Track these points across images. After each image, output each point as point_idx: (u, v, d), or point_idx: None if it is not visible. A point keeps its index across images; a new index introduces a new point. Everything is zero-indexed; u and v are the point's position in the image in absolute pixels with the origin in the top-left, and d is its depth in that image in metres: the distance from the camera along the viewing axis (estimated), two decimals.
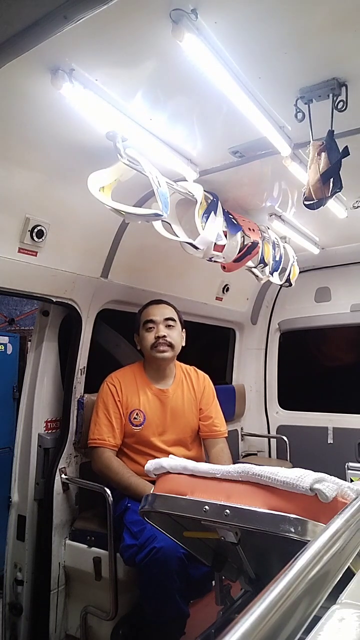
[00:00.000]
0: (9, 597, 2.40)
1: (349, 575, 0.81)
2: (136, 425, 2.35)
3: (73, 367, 2.50)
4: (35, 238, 2.07)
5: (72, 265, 2.34)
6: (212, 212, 2.23)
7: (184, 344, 2.52)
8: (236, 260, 2.50)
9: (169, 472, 1.50)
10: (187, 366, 2.61)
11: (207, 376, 2.63)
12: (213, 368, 2.69)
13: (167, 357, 2.41)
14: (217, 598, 1.68)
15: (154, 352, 2.40)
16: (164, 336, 2.39)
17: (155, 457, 2.26)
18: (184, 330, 2.54)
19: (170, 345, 2.40)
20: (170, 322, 2.44)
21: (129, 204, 1.96)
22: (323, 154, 1.72)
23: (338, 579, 0.73)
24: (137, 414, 2.36)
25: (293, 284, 3.18)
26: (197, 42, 1.32)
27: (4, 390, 3.94)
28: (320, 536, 0.78)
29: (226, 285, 3.45)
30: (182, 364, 2.59)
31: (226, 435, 2.55)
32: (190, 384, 2.53)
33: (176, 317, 2.49)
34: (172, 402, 2.43)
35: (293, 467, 1.34)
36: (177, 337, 2.46)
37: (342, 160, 1.71)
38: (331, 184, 1.74)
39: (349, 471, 2.15)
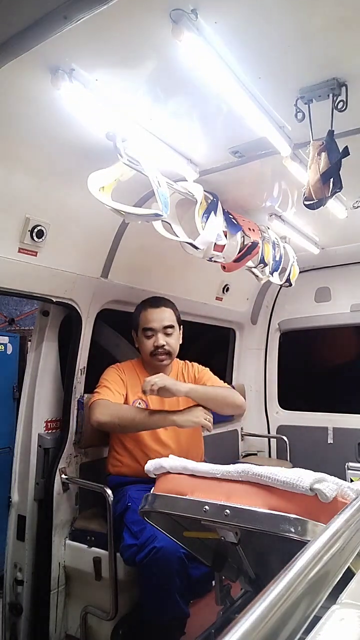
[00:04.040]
0: (9, 597, 2.40)
1: (349, 575, 0.81)
2: None
3: (73, 367, 2.50)
4: (35, 238, 2.07)
5: (72, 265, 2.34)
6: (212, 212, 2.23)
7: (180, 342, 2.53)
8: (236, 260, 2.50)
9: (169, 472, 1.50)
10: (182, 362, 2.62)
11: (196, 364, 2.65)
12: (213, 368, 2.69)
13: (165, 365, 2.46)
14: (217, 598, 1.68)
15: (153, 360, 2.43)
16: (163, 345, 2.41)
17: (156, 447, 2.30)
18: (181, 328, 2.55)
19: (169, 354, 2.44)
20: (169, 330, 2.44)
21: (129, 204, 1.95)
22: (323, 154, 1.72)
23: (338, 579, 0.73)
24: (139, 403, 2.39)
25: (293, 284, 3.18)
26: (197, 42, 1.32)
27: (4, 390, 3.95)
28: (320, 536, 0.78)
29: (226, 285, 3.45)
30: (178, 360, 2.59)
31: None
32: (183, 378, 2.54)
33: (175, 322, 2.49)
34: None
35: (293, 467, 1.34)
36: (176, 342, 2.48)
37: (342, 160, 1.71)
38: (331, 184, 1.74)
39: (349, 471, 2.15)
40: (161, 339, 2.41)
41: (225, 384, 2.60)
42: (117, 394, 2.32)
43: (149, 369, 2.49)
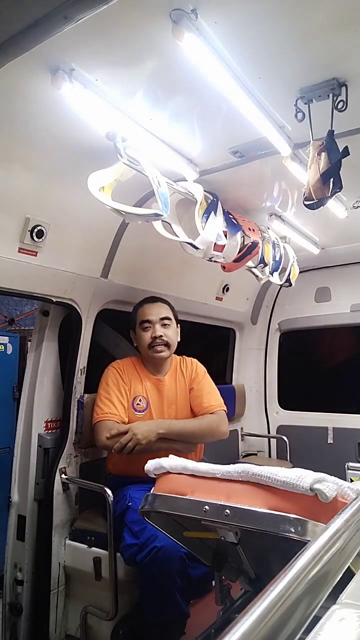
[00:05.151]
0: (9, 597, 2.40)
1: (349, 575, 0.81)
2: (139, 411, 2.37)
3: (73, 367, 2.51)
4: (35, 238, 2.07)
5: (72, 265, 2.34)
6: (212, 212, 2.23)
7: (179, 339, 2.54)
8: (236, 260, 2.50)
9: (169, 472, 1.50)
10: (180, 357, 2.61)
11: (195, 360, 2.64)
12: (213, 368, 2.69)
13: (164, 357, 2.45)
14: (217, 598, 1.68)
15: (151, 352, 2.42)
16: (161, 336, 2.41)
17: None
18: (178, 325, 2.56)
19: (167, 345, 2.43)
20: (166, 322, 2.46)
21: (129, 204, 1.96)
22: (323, 154, 1.72)
23: (338, 579, 0.73)
24: (140, 400, 2.39)
25: (293, 284, 3.18)
26: (197, 42, 1.32)
27: (4, 390, 3.94)
28: (320, 536, 0.78)
29: (226, 285, 3.45)
30: (176, 356, 2.59)
31: (216, 410, 2.45)
32: (181, 373, 2.54)
33: (171, 315, 2.50)
34: (167, 390, 2.46)
35: (293, 467, 1.34)
36: (173, 335, 2.48)
37: (342, 160, 1.71)
38: (331, 184, 1.74)
39: (349, 471, 2.15)
40: (159, 330, 2.42)
41: (218, 392, 2.54)
42: (119, 407, 2.32)
43: (148, 365, 2.49)
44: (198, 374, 2.56)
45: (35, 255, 2.14)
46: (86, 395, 2.50)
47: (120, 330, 3.05)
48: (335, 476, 1.26)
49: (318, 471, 1.26)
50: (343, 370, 3.97)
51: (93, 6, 1.20)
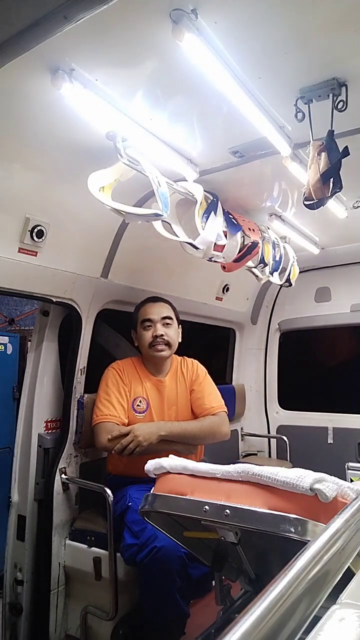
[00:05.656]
0: (9, 597, 2.40)
1: (349, 575, 0.81)
2: (139, 412, 2.37)
3: (73, 367, 2.51)
4: (35, 238, 2.07)
5: (72, 265, 2.34)
6: (212, 212, 2.23)
7: (180, 340, 2.54)
8: (236, 260, 2.50)
9: (169, 472, 1.50)
10: (181, 357, 2.62)
11: (196, 361, 2.64)
12: (213, 368, 2.69)
13: (165, 356, 2.45)
14: (217, 598, 1.68)
15: (152, 351, 2.42)
16: (162, 335, 2.41)
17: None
18: (180, 326, 2.56)
19: (168, 344, 2.43)
20: (168, 321, 2.46)
21: (129, 204, 1.96)
22: (323, 154, 1.73)
23: (338, 579, 0.73)
24: (140, 401, 2.39)
25: (293, 284, 3.18)
26: (197, 42, 1.32)
27: (4, 390, 3.94)
28: (320, 536, 0.78)
29: (226, 285, 3.45)
30: (177, 357, 2.59)
31: (217, 412, 2.45)
32: (182, 374, 2.54)
33: (173, 315, 2.50)
34: (167, 391, 2.46)
35: (293, 467, 1.34)
36: (174, 334, 2.48)
37: (342, 160, 1.71)
38: (331, 184, 1.74)
39: (349, 471, 2.15)
40: (160, 329, 2.42)
41: (219, 393, 2.54)
42: (119, 408, 2.31)
43: (148, 365, 2.49)
44: (199, 375, 2.56)
45: (35, 255, 2.14)
46: (86, 395, 2.50)
47: (120, 330, 3.05)
48: (335, 476, 1.26)
49: (318, 471, 1.26)
50: (343, 370, 3.97)
51: (93, 6, 1.20)
